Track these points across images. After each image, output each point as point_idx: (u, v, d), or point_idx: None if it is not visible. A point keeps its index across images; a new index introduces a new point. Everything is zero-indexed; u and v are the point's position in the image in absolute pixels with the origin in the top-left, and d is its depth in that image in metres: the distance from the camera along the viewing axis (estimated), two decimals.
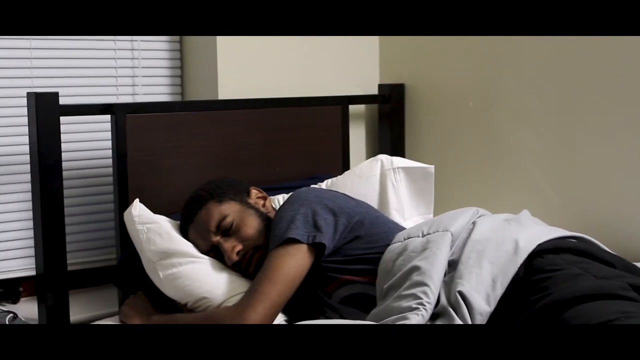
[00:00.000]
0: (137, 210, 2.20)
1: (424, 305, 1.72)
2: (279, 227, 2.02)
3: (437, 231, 1.91)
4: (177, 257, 2.12)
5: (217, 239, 2.13)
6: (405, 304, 1.75)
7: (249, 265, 2.12)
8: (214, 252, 2.15)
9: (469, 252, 1.82)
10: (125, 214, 2.22)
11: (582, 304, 1.63)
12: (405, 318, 1.70)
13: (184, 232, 2.19)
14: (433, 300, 1.74)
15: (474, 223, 1.95)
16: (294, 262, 1.98)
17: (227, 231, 2.13)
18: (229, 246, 2.11)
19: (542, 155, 2.61)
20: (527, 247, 1.80)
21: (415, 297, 1.75)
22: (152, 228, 2.17)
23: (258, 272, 2.01)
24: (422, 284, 1.77)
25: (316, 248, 2.02)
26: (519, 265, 1.76)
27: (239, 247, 2.11)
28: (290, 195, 2.14)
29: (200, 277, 2.10)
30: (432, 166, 2.46)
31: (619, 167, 2.43)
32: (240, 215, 2.14)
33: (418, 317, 1.70)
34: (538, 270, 1.76)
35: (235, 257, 2.10)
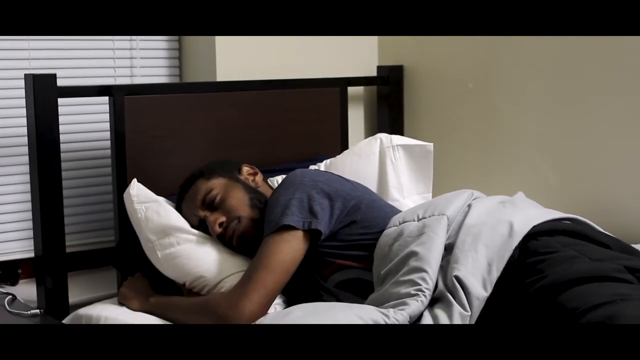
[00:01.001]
0: (136, 190, 2.20)
1: (423, 292, 1.72)
2: (274, 213, 2.01)
3: (432, 215, 1.91)
4: (175, 235, 2.12)
5: (203, 213, 2.14)
6: (404, 290, 1.75)
7: (232, 237, 2.12)
8: (203, 227, 2.15)
9: (464, 236, 1.81)
10: (125, 194, 2.22)
11: (578, 286, 1.63)
12: (405, 304, 1.70)
13: (179, 211, 2.21)
14: (431, 286, 1.74)
15: (469, 206, 1.94)
16: (289, 249, 1.97)
17: (212, 205, 2.14)
18: (213, 219, 2.12)
19: (541, 137, 2.61)
20: (522, 229, 1.79)
21: (414, 283, 1.75)
22: (151, 207, 2.17)
23: (253, 259, 2.01)
24: (420, 269, 1.76)
25: (311, 234, 2.01)
26: (513, 248, 1.76)
27: (222, 219, 2.11)
28: (285, 178, 2.13)
29: (198, 256, 2.10)
30: (431, 144, 2.45)
31: (617, 150, 2.43)
32: (225, 189, 2.15)
33: (417, 304, 1.70)
34: (533, 253, 1.76)
35: (218, 229, 2.11)
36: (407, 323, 1.67)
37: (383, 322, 1.65)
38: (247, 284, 1.94)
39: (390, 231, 1.95)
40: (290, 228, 1.98)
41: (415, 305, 1.69)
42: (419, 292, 1.72)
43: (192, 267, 2.09)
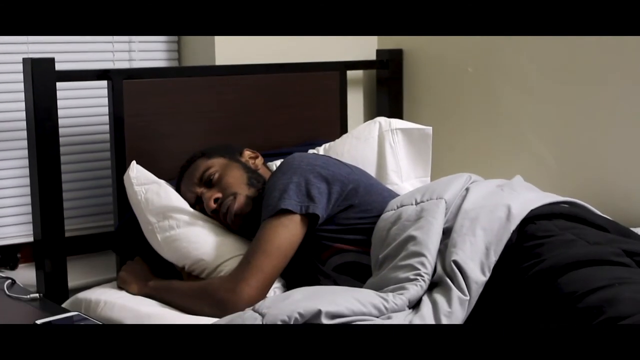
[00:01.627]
0: (135, 172, 2.20)
1: (422, 276, 1.73)
2: (271, 197, 2.01)
3: (430, 199, 1.90)
4: (175, 217, 2.12)
5: (200, 189, 2.15)
6: (402, 274, 1.75)
7: (226, 213, 2.11)
8: (199, 205, 2.16)
9: (462, 220, 1.81)
10: (124, 176, 2.22)
11: (576, 270, 1.63)
12: (404, 288, 1.70)
13: (178, 190, 2.21)
14: (430, 271, 1.74)
15: (467, 190, 1.94)
16: (287, 234, 1.97)
17: (209, 182, 2.14)
18: (209, 195, 2.12)
19: (540, 120, 2.61)
20: (520, 213, 1.79)
21: (413, 267, 1.75)
22: (151, 188, 2.17)
23: (251, 243, 2.01)
24: (419, 254, 1.76)
25: (309, 218, 2.01)
26: (511, 232, 1.76)
27: (218, 195, 2.12)
28: (282, 163, 2.13)
29: (197, 240, 2.10)
30: (430, 127, 2.45)
31: (617, 133, 2.42)
32: (224, 167, 2.16)
33: (417, 288, 1.70)
34: (531, 237, 1.76)
35: (212, 205, 2.11)
36: (406, 308, 1.67)
37: (382, 307, 1.65)
38: (246, 268, 1.94)
39: (388, 215, 1.95)
40: (288, 212, 1.98)
41: (414, 290, 1.69)
42: (418, 277, 1.72)
43: (191, 250, 2.10)
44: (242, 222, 2.12)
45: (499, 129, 2.72)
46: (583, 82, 2.48)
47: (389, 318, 1.64)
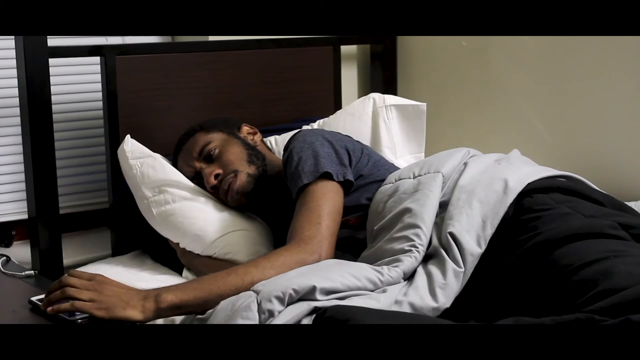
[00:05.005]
0: (129, 145, 2.19)
1: (417, 248, 1.72)
2: (306, 164, 1.93)
3: (428, 172, 1.90)
4: (170, 192, 2.11)
5: (199, 164, 2.14)
6: (397, 246, 1.75)
7: (227, 190, 2.11)
8: (197, 180, 2.15)
9: (458, 193, 1.81)
10: (119, 150, 2.21)
11: (571, 243, 1.63)
12: (398, 260, 1.70)
13: (175, 163, 2.20)
14: (425, 242, 1.74)
15: (465, 164, 1.94)
16: (337, 196, 1.91)
17: (209, 157, 2.13)
18: (209, 171, 2.11)
19: (535, 95, 2.60)
20: (517, 186, 1.79)
21: (408, 239, 1.74)
22: (146, 162, 2.17)
23: (301, 209, 1.89)
24: (414, 226, 1.76)
25: (343, 185, 1.96)
26: (508, 205, 1.76)
27: (219, 171, 2.11)
28: (296, 135, 2.05)
29: (194, 214, 2.10)
30: (424, 104, 2.44)
31: (612, 108, 2.42)
32: (224, 143, 2.14)
33: (411, 260, 1.70)
34: (527, 210, 1.75)
35: (213, 181, 2.10)
36: (401, 280, 1.68)
37: (377, 280, 1.65)
38: (317, 230, 1.83)
39: (385, 188, 1.95)
40: (329, 178, 1.92)
41: (408, 262, 1.70)
42: (413, 248, 1.72)
43: (187, 225, 2.09)
44: (243, 200, 2.11)
45: (493, 103, 2.71)
46: (578, 56, 2.48)
47: (384, 291, 1.64)
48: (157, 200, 2.13)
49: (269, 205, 2.18)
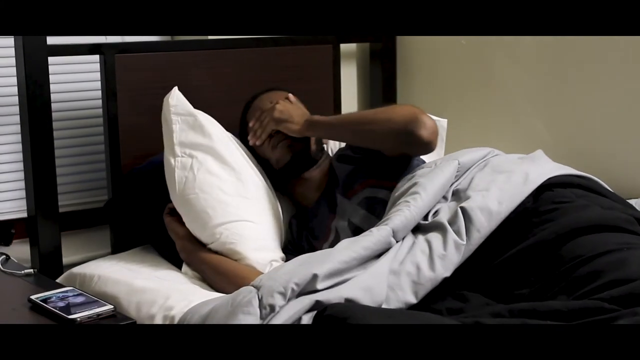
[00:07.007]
0: (175, 99, 2.18)
1: (409, 206, 1.79)
2: None
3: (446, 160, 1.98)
4: (199, 158, 2.10)
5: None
6: (396, 209, 1.81)
7: (274, 146, 2.19)
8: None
9: (478, 181, 1.86)
10: (164, 100, 2.19)
11: (587, 235, 1.67)
12: (389, 219, 1.77)
13: (246, 108, 2.29)
14: (421, 205, 1.80)
15: (487, 161, 1.98)
16: None
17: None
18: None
19: (533, 92, 2.60)
20: (537, 179, 1.85)
21: (406, 202, 1.81)
22: (187, 120, 2.15)
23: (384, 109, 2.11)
24: (415, 192, 1.83)
25: None
26: (527, 194, 1.81)
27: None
28: None
29: (210, 190, 2.07)
30: (445, 120, 2.46)
31: (612, 107, 2.43)
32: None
33: (400, 217, 1.76)
34: (547, 202, 1.80)
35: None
36: (391, 238, 1.73)
37: (370, 243, 1.70)
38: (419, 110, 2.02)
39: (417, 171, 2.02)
40: None
41: (397, 219, 1.75)
42: (404, 207, 1.77)
43: (201, 199, 2.06)
44: (288, 155, 2.17)
45: (492, 101, 2.71)
46: (578, 56, 2.47)
47: (377, 257, 1.67)
48: (183, 162, 2.11)
49: (299, 182, 2.24)
